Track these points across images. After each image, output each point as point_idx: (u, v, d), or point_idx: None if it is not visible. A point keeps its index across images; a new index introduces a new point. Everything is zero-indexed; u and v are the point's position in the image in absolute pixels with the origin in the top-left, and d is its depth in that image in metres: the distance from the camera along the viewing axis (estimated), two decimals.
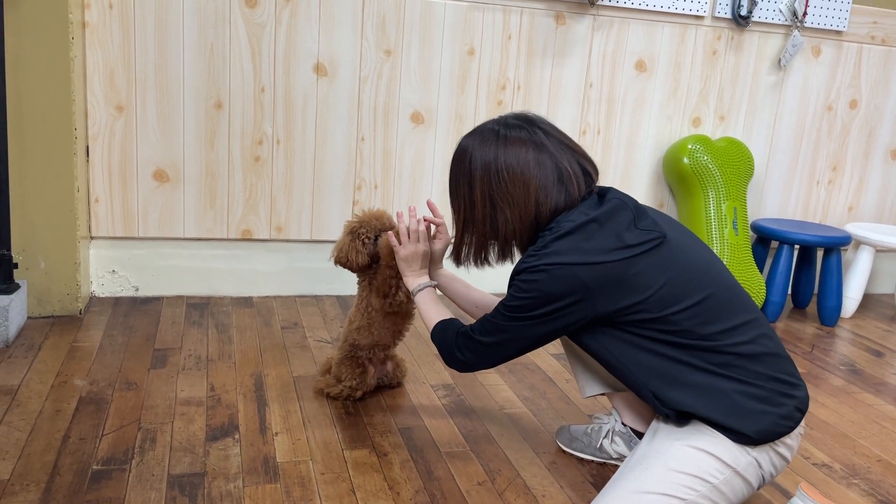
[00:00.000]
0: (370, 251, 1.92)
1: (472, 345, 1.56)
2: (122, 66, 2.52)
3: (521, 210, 1.49)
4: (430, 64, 2.78)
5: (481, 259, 1.60)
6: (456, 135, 2.87)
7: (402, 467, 1.74)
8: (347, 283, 2.90)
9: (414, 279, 1.80)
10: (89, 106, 2.52)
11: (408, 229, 1.78)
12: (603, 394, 1.80)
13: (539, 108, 2.93)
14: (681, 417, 1.45)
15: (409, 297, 1.91)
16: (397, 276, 1.89)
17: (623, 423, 1.80)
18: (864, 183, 3.40)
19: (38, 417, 1.83)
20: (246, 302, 2.76)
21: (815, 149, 3.29)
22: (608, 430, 1.81)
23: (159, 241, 2.70)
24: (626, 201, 1.50)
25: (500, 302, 1.52)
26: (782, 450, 1.44)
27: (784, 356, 1.47)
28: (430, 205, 1.85)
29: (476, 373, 2.29)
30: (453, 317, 1.70)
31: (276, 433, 1.85)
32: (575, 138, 2.99)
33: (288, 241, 2.81)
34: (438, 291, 1.86)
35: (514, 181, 1.48)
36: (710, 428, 1.42)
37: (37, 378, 2.04)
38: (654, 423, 1.54)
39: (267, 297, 2.83)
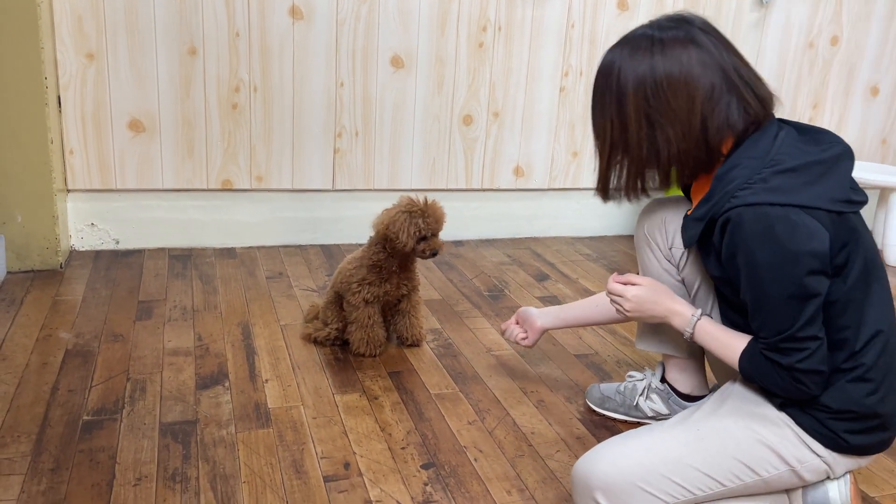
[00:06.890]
0: (416, 240, 1.90)
1: (795, 374, 1.23)
2: (91, 12, 2.44)
3: (684, 127, 1.26)
4: (409, 5, 2.72)
5: (637, 189, 1.35)
6: (437, 78, 2.82)
7: (392, 409, 1.76)
8: (331, 233, 2.88)
9: (682, 310, 1.39)
10: (59, 54, 2.44)
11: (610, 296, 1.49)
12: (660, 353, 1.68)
13: (520, 50, 2.88)
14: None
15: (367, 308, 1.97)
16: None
17: (662, 380, 1.71)
18: (845, 120, 3.40)
19: (24, 371, 1.82)
20: (229, 253, 2.73)
21: (797, 86, 3.28)
22: (644, 388, 1.72)
23: (138, 192, 2.66)
24: (849, 151, 1.26)
25: (748, 294, 1.23)
26: (863, 462, 1.32)
27: None
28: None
29: (462, 317, 2.30)
30: (744, 341, 1.31)
31: (267, 380, 1.85)
32: (557, 80, 2.97)
33: (269, 190, 2.78)
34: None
35: (676, 92, 1.25)
36: (779, 415, 1.28)
37: (21, 332, 2.02)
38: (728, 386, 1.39)
39: (250, 247, 2.81)
